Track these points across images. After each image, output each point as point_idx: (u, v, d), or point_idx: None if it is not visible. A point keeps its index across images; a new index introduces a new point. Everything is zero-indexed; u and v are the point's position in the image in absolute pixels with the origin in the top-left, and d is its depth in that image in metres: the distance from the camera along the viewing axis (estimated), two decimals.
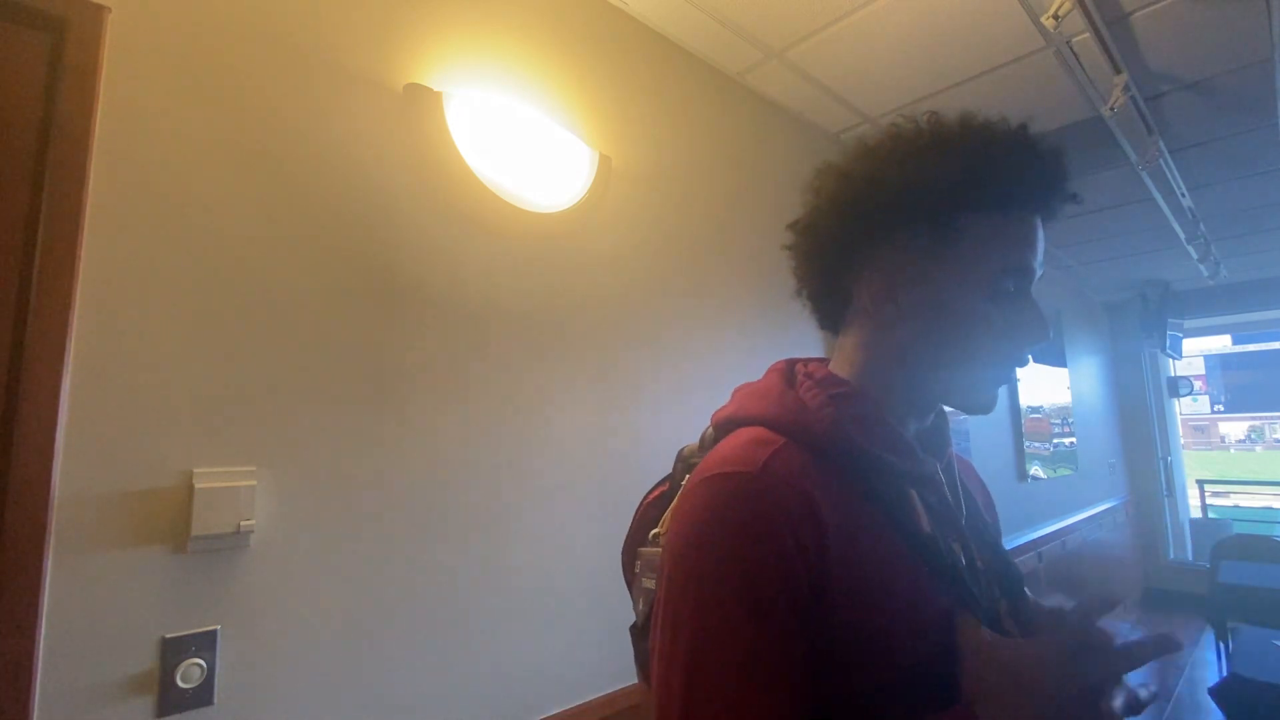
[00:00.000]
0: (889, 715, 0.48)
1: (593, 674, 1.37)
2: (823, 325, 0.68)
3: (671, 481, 0.65)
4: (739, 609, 0.47)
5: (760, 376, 0.65)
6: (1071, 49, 1.83)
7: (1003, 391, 0.73)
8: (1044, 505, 3.69)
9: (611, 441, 1.49)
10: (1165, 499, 5.26)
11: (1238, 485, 8.97)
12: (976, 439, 3.13)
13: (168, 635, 0.89)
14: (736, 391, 0.64)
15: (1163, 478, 5.27)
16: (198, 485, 0.92)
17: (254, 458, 0.99)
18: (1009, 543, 3.11)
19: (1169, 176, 2.63)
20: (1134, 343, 5.32)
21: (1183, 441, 5.75)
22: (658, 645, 0.50)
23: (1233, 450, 22.09)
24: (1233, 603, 3.16)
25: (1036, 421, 3.79)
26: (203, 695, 0.90)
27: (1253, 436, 22.91)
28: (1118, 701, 0.46)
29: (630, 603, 0.64)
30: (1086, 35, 1.72)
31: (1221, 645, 3.24)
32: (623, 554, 0.69)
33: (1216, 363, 21.11)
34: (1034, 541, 3.36)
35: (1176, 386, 5.47)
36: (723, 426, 0.61)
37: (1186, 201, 2.92)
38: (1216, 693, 2.14)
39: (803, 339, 2.06)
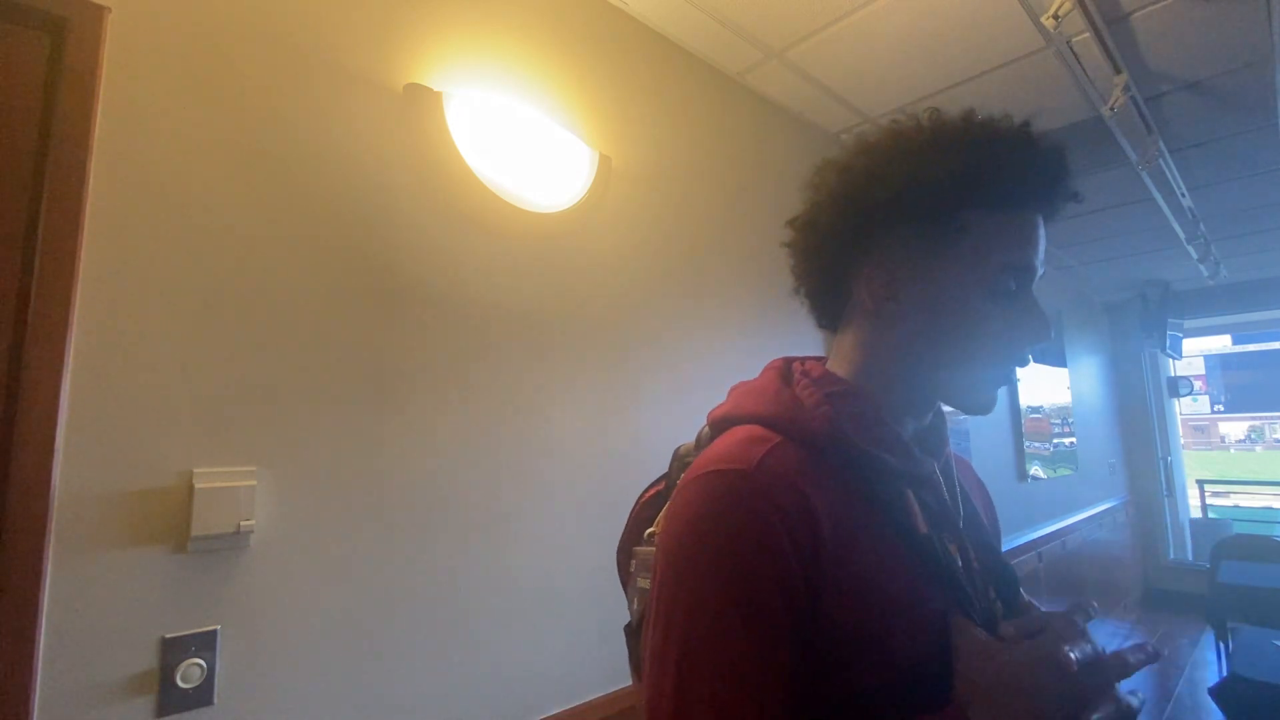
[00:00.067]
0: (882, 716, 0.47)
1: (593, 674, 1.37)
2: (820, 324, 0.67)
3: (667, 480, 0.64)
4: (731, 608, 0.46)
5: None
6: (1071, 49, 1.83)
7: (1003, 391, 0.73)
8: (1044, 505, 3.69)
9: (611, 441, 1.49)
10: (1165, 499, 5.26)
11: (1238, 485, 8.96)
12: (976, 439, 3.13)
13: (168, 635, 0.89)
14: (733, 390, 0.64)
15: (1163, 478, 5.27)
16: (198, 485, 0.92)
17: (254, 458, 0.99)
18: (1009, 543, 3.11)
19: (1169, 176, 2.63)
20: (1134, 343, 5.32)
21: (1183, 441, 5.74)
22: (649, 644, 0.49)
23: (1233, 450, 22.08)
24: (1233, 603, 3.16)
25: (1036, 421, 3.79)
26: (203, 695, 0.90)
27: (1253, 436, 22.90)
28: (1108, 708, 0.45)
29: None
30: (1086, 35, 1.72)
31: (1221, 645, 3.24)
32: (618, 553, 0.69)
33: (1216, 363, 21.10)
34: (1034, 541, 3.36)
35: (1176, 386, 5.47)
36: (718, 425, 0.60)
37: (1186, 201, 2.92)
38: (1216, 693, 2.13)
39: (803, 339, 2.06)
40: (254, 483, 0.97)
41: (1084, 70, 1.91)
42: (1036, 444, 3.73)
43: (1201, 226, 3.29)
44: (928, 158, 0.55)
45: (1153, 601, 5.01)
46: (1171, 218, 3.10)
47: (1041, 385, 3.93)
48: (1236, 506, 7.53)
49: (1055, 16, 1.55)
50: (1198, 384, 11.74)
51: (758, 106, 2.06)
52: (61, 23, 0.88)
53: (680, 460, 0.64)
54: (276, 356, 1.03)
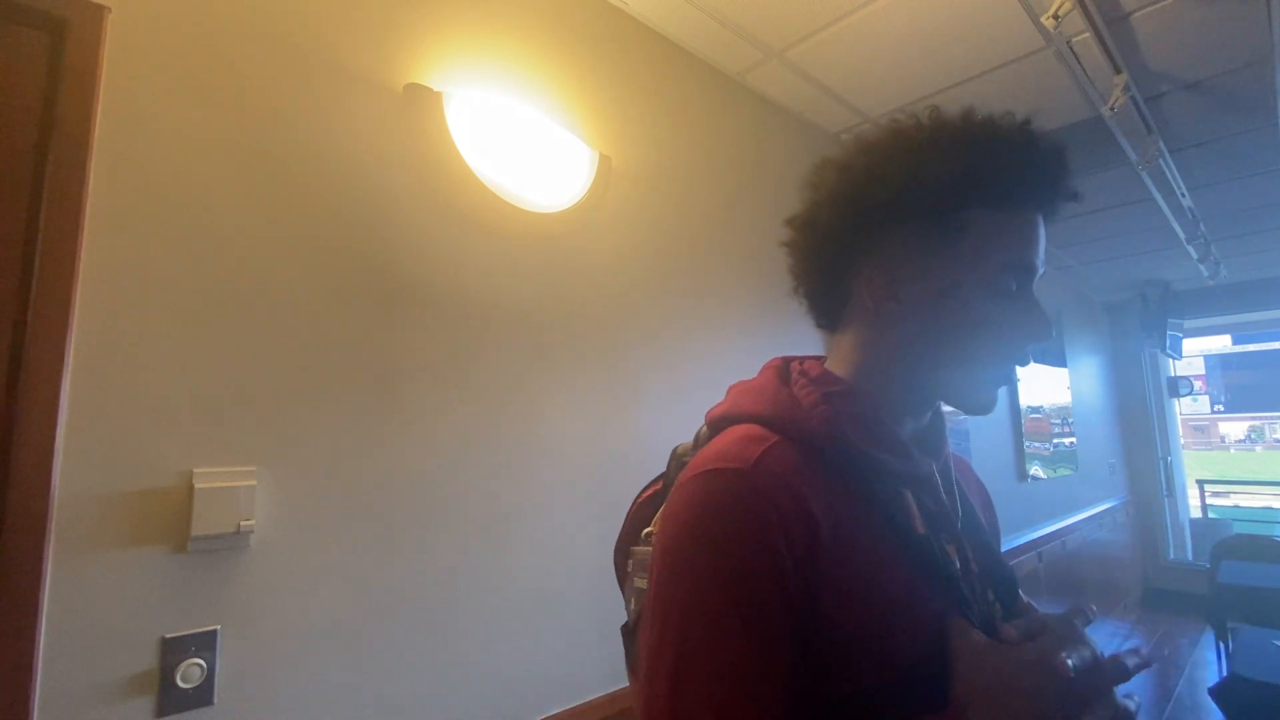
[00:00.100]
0: (882, 716, 0.47)
1: (593, 674, 1.37)
2: (819, 323, 0.67)
3: (665, 480, 0.64)
4: (728, 608, 0.46)
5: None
6: (1071, 49, 1.83)
7: (1003, 391, 0.73)
8: (1044, 505, 3.69)
9: (611, 441, 1.49)
10: (1165, 499, 5.26)
11: (1238, 485, 8.96)
12: (976, 439, 3.13)
13: (168, 635, 0.89)
14: (731, 389, 0.63)
15: (1163, 478, 5.27)
16: (198, 485, 0.92)
17: (254, 458, 0.99)
18: (1009, 543, 3.11)
19: (1169, 176, 2.63)
20: (1134, 343, 5.32)
21: (1183, 441, 5.75)
22: (646, 645, 0.49)
23: (1233, 450, 22.07)
24: (1233, 603, 3.16)
25: (1036, 421, 3.79)
26: (203, 695, 0.90)
27: (1253, 436, 22.90)
28: (1105, 712, 0.45)
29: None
30: (1086, 35, 1.72)
31: (1221, 645, 3.24)
32: (615, 553, 0.68)
33: (1216, 363, 21.09)
34: (1034, 541, 3.36)
35: (1176, 386, 5.47)
36: (716, 424, 0.60)
37: (1186, 201, 2.92)
38: (1216, 693, 2.13)
39: (802, 339, 2.06)
40: (254, 483, 0.97)
41: (1084, 70, 1.91)
42: (1036, 444, 3.73)
43: (1201, 226, 3.29)
44: (928, 157, 0.55)
45: (1153, 601, 5.01)
46: (1171, 218, 3.10)
47: (1041, 385, 3.93)
48: (1236, 506, 7.53)
49: (1055, 16, 1.55)
50: (1198, 384, 11.73)
51: (758, 106, 2.06)
52: (61, 23, 0.88)
53: (678, 460, 0.63)
54: (276, 356, 1.03)
